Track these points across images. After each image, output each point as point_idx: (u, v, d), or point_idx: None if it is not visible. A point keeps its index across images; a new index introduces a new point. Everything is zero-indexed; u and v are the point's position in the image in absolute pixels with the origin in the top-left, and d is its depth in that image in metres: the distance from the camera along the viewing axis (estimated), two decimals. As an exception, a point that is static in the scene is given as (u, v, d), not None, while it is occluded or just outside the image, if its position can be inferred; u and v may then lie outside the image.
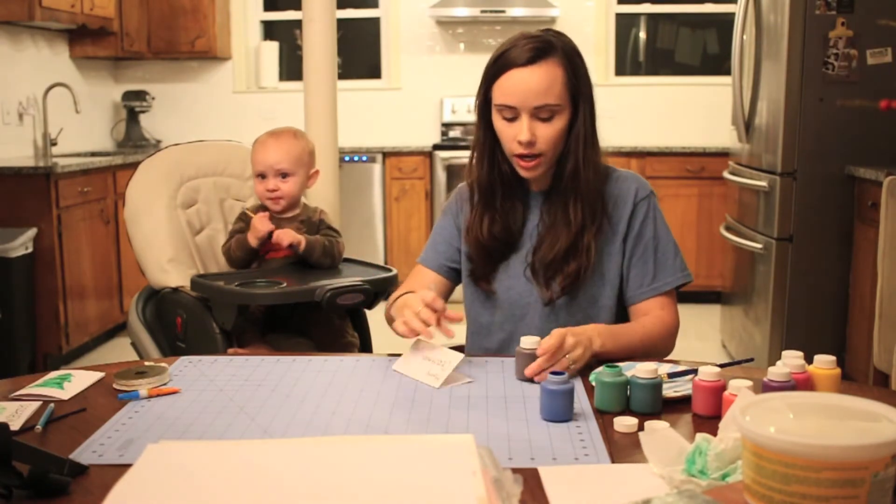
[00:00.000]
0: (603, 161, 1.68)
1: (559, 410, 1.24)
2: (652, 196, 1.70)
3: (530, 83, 1.55)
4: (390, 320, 1.70)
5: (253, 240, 2.11)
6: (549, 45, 1.57)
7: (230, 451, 1.06)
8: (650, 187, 1.71)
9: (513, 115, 1.58)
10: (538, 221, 1.69)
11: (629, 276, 1.67)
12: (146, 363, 1.51)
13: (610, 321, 1.67)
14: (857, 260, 3.49)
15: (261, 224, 2.10)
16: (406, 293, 1.67)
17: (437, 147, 5.39)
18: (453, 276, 1.79)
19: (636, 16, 5.97)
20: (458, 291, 1.81)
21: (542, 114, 1.57)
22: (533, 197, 1.71)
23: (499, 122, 1.61)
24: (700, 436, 1.02)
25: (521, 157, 1.60)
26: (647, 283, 1.66)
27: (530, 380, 1.42)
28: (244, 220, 2.18)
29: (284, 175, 2.13)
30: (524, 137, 1.57)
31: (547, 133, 1.58)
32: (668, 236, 1.69)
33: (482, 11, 5.48)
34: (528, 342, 1.43)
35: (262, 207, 2.18)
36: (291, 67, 6.08)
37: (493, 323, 1.72)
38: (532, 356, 1.42)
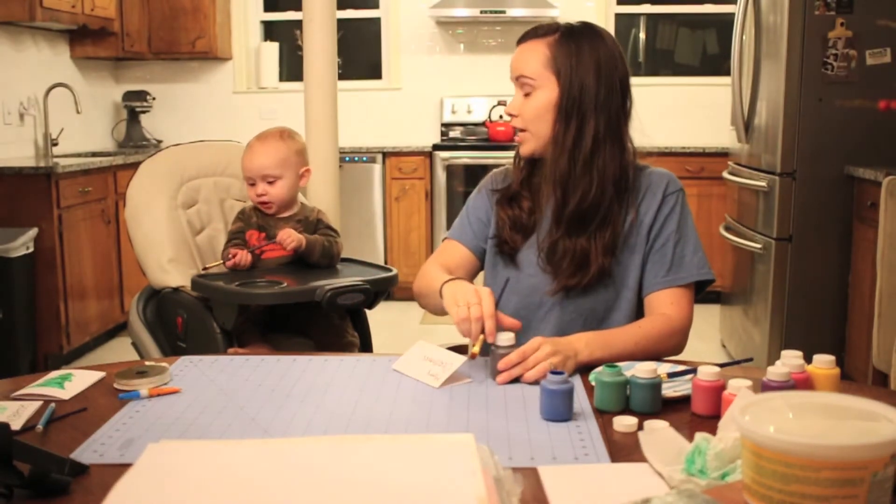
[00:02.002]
0: (634, 158, 1.72)
1: (559, 410, 1.25)
2: (681, 193, 1.72)
3: (517, 56, 1.68)
4: (420, 295, 1.73)
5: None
6: (547, 27, 1.67)
7: (230, 450, 1.06)
8: (681, 184, 1.74)
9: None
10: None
11: (646, 267, 1.68)
12: (147, 363, 1.51)
13: (630, 312, 1.67)
14: (857, 260, 3.49)
15: (242, 261, 2.09)
16: (455, 278, 1.60)
17: (437, 147, 5.39)
18: (483, 259, 1.80)
19: (636, 16, 5.97)
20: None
21: (524, 88, 1.67)
22: None
23: None
24: (699, 435, 1.02)
25: (511, 129, 1.73)
26: (661, 275, 1.66)
27: (513, 380, 1.42)
28: (242, 218, 2.18)
29: (271, 180, 2.13)
30: (506, 108, 1.70)
31: (524, 108, 1.67)
32: (690, 233, 1.69)
33: (482, 12, 5.48)
34: (502, 339, 1.43)
35: (248, 214, 2.19)
36: (291, 67, 6.08)
37: (509, 309, 1.68)
38: (506, 356, 1.42)
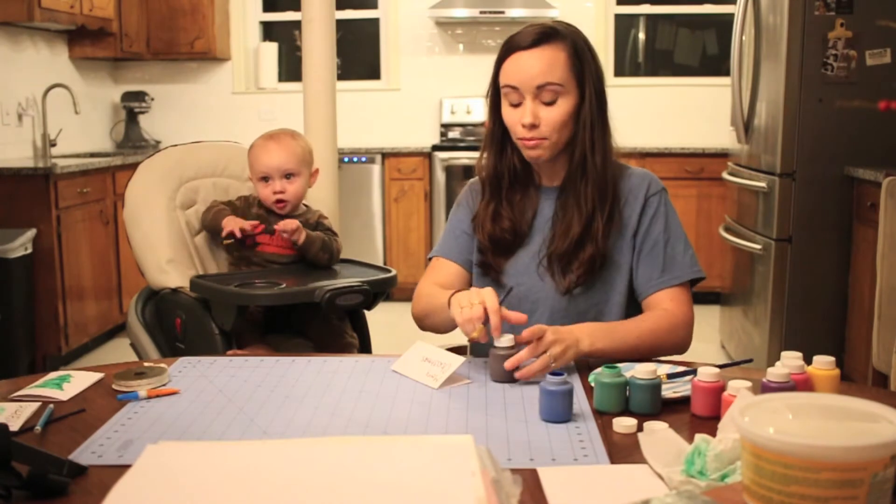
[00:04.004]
0: (616, 158, 1.69)
1: (558, 411, 1.24)
2: (663, 192, 1.71)
3: (532, 63, 1.59)
4: (423, 316, 1.70)
5: (226, 227, 2.12)
6: (553, 31, 1.61)
7: (229, 451, 1.06)
8: (662, 184, 1.72)
9: (518, 98, 1.61)
10: (551, 216, 1.70)
11: (638, 272, 1.67)
12: (145, 364, 1.51)
13: (620, 315, 1.67)
14: (856, 261, 3.49)
15: (232, 224, 2.12)
16: (459, 290, 1.59)
17: (436, 148, 5.39)
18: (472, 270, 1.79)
19: (635, 17, 5.97)
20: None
21: (545, 96, 1.60)
22: (545, 192, 1.72)
23: (505, 107, 1.64)
24: (699, 436, 1.02)
25: (525, 138, 1.62)
26: (656, 278, 1.65)
27: (508, 381, 1.42)
28: (241, 204, 2.21)
29: (290, 176, 2.14)
30: (527, 120, 1.60)
31: (550, 116, 1.60)
32: (678, 232, 1.69)
33: (481, 12, 5.48)
34: (502, 341, 1.43)
35: (251, 201, 2.20)
36: (290, 68, 6.08)
37: None
38: (506, 357, 1.42)
